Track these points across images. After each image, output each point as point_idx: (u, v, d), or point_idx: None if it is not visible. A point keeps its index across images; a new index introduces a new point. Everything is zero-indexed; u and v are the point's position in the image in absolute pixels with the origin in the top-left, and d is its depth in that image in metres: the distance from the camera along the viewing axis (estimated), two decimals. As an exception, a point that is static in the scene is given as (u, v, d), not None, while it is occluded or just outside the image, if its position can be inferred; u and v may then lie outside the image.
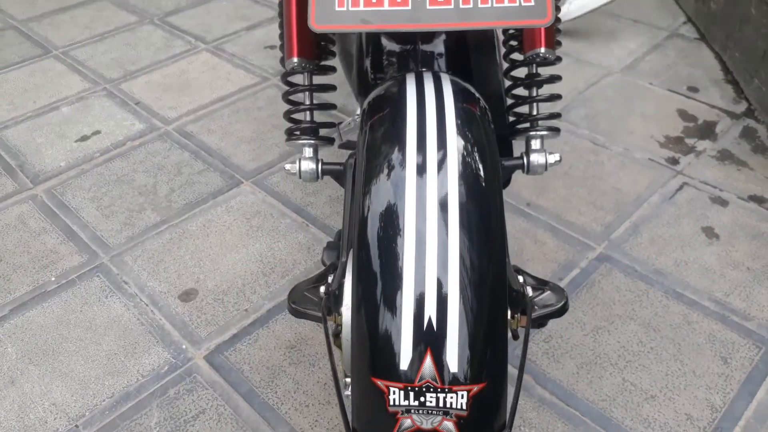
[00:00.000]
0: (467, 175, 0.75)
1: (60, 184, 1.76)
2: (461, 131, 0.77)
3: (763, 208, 1.60)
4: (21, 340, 1.35)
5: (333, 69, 0.96)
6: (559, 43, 0.91)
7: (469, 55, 1.01)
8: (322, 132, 0.95)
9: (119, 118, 2.01)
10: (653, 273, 1.44)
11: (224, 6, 2.66)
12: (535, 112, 0.92)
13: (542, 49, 0.85)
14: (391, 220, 0.74)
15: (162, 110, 2.05)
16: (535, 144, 0.92)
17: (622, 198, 1.65)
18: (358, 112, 1.30)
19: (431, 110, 0.77)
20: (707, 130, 1.87)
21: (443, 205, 0.73)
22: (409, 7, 0.70)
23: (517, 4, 0.70)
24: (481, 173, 0.77)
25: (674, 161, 1.76)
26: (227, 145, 1.89)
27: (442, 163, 0.74)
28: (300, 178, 0.94)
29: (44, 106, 2.09)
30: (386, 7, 0.70)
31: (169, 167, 1.81)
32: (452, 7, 0.70)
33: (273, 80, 2.17)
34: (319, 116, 0.95)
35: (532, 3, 0.69)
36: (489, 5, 0.70)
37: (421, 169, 0.74)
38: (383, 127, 0.80)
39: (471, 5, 0.70)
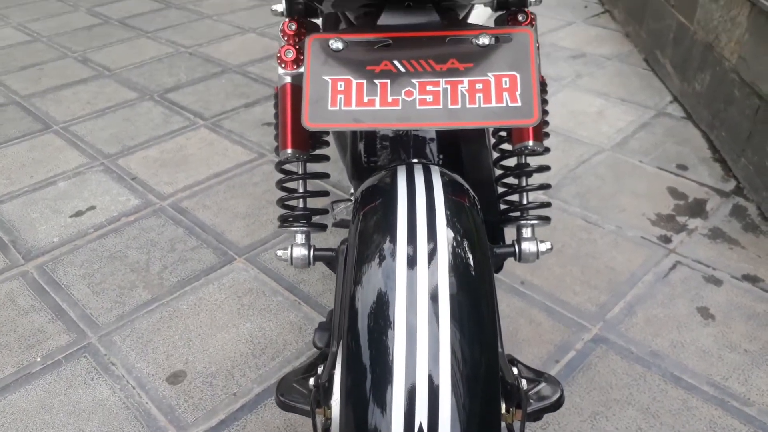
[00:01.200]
0: (457, 266, 0.75)
1: (52, 260, 1.75)
2: (451, 223, 0.78)
3: (758, 288, 1.60)
4: (1, 425, 1.30)
5: (326, 158, 0.98)
6: (546, 135, 0.93)
7: (459, 143, 1.03)
8: (315, 219, 0.96)
9: (115, 194, 2.03)
10: (650, 355, 1.42)
11: (223, 84, 2.74)
12: (525, 201, 0.93)
13: (530, 142, 0.87)
14: (381, 311, 0.73)
15: (158, 186, 2.06)
16: (526, 232, 0.92)
17: (616, 277, 1.64)
18: (352, 191, 1.31)
19: (421, 203, 0.78)
20: (698, 208, 1.89)
21: (434, 297, 0.72)
22: (400, 108, 0.72)
23: (504, 104, 0.72)
24: (471, 264, 0.77)
25: (666, 239, 1.77)
26: (222, 221, 1.89)
27: (432, 254, 0.74)
28: (291, 264, 0.93)
29: (41, 180, 2.10)
30: (377, 107, 0.72)
31: (163, 243, 1.80)
32: (441, 107, 0.72)
33: (269, 156, 2.20)
34: (312, 202, 0.96)
35: (519, 103, 0.71)
36: (477, 105, 0.72)
37: (412, 261, 0.74)
38: (375, 218, 0.80)
39: (459, 105, 0.72)
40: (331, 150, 1.05)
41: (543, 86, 0.97)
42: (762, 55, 1.90)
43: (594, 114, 2.41)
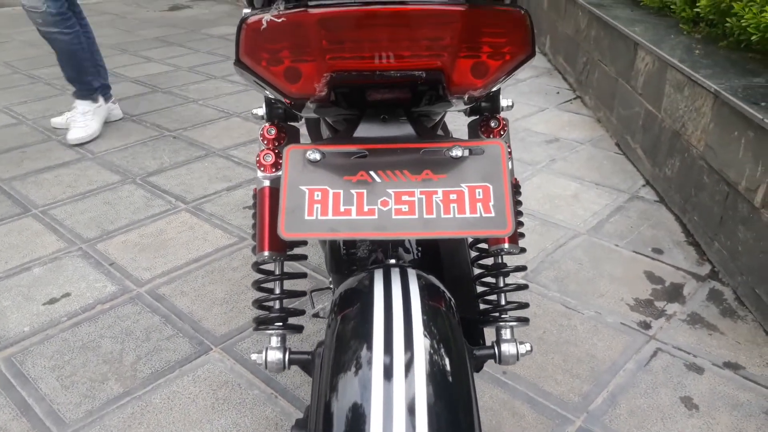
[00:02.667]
0: (434, 374, 0.74)
1: (21, 351, 1.70)
2: (427, 330, 0.77)
3: (739, 376, 1.59)
4: None
5: (304, 257, 0.98)
6: (522, 235, 0.95)
7: (437, 241, 1.04)
8: (292, 320, 0.95)
9: (91, 280, 2.00)
10: (635, 449, 1.39)
11: (206, 167, 2.77)
12: (503, 302, 0.93)
13: (506, 245, 0.89)
14: (356, 424, 0.72)
15: (136, 271, 2.04)
16: (505, 334, 0.92)
17: (598, 365, 1.63)
18: (330, 280, 1.31)
19: (398, 310, 0.78)
20: (675, 293, 1.91)
21: (411, 410, 0.71)
22: (376, 217, 0.74)
23: (478, 215, 0.73)
24: (449, 371, 0.76)
25: (646, 325, 1.77)
26: (199, 308, 1.86)
27: (409, 365, 0.74)
28: (266, 368, 0.92)
29: (16, 266, 2.07)
30: (354, 216, 0.74)
31: (138, 333, 1.76)
32: (416, 217, 0.73)
33: (249, 240, 2.20)
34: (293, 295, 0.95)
35: (493, 214, 0.73)
36: (451, 216, 0.73)
37: (388, 372, 0.73)
38: (352, 324, 0.80)
39: (434, 215, 0.73)
40: (306, 249, 1.05)
41: (516, 188, 1.00)
42: (727, 144, 1.98)
43: (569, 197, 2.47)
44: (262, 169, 0.93)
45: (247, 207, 2.43)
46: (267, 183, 0.92)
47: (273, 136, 0.94)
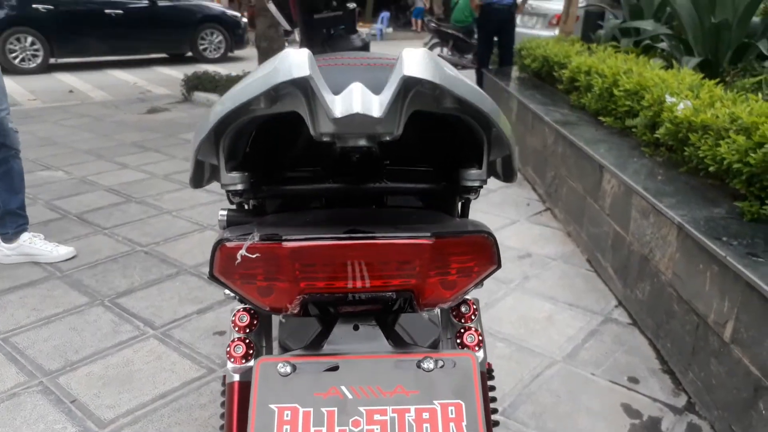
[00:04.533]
0: None
1: None
2: None
3: None
4: None
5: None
6: (496, 423, 0.93)
7: None
8: None
9: (50, 421, 1.90)
10: None
11: (177, 287, 2.73)
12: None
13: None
14: None
15: (98, 410, 1.95)
16: None
17: None
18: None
19: None
20: (653, 429, 1.88)
21: None
22: None
23: None
24: None
25: (626, 468, 1.73)
26: (164, 454, 1.77)
27: None
28: None
29: (-30, 406, 1.97)
30: None
31: (96, 485, 1.66)
32: None
33: (218, 372, 2.13)
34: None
35: None
36: None
37: None
38: None
39: None
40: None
41: (489, 373, 0.99)
42: (694, 275, 2.03)
43: (543, 320, 2.47)
44: (232, 360, 0.91)
45: (217, 333, 2.38)
46: (237, 378, 0.89)
47: (245, 324, 0.93)
